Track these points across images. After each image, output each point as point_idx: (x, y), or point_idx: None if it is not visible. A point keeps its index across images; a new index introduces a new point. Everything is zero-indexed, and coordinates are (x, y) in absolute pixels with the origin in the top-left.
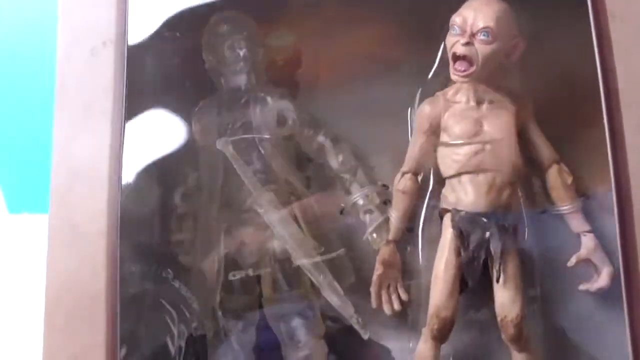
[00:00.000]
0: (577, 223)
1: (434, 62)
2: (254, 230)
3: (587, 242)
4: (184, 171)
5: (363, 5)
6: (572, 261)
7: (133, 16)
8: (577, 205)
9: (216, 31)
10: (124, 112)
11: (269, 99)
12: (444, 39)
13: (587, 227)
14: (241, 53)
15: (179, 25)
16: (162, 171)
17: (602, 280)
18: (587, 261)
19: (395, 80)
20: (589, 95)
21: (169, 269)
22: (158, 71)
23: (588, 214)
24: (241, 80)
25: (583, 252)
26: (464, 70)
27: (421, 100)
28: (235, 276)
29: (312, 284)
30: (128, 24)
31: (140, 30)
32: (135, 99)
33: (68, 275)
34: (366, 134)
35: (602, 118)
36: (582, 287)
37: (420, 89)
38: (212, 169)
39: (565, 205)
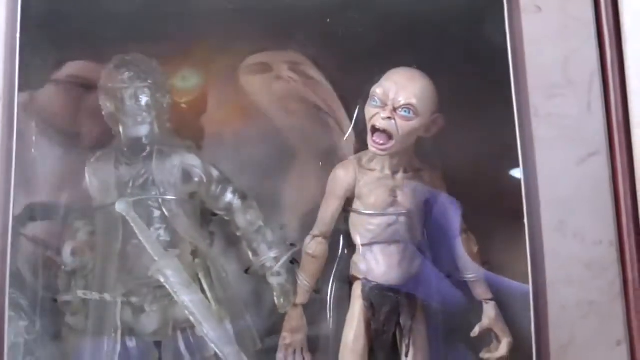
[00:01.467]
0: (480, 291)
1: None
2: (155, 298)
3: (489, 311)
4: (74, 225)
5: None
6: (476, 331)
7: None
8: (481, 273)
9: (117, 77)
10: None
11: (173, 154)
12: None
13: (489, 295)
14: (144, 102)
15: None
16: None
17: (502, 350)
18: (489, 330)
19: (308, 130)
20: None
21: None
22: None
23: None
24: (143, 130)
25: (485, 321)
26: (383, 144)
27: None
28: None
29: (216, 355)
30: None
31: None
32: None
33: None
34: (276, 190)
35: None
36: (484, 355)
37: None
38: (110, 230)
39: (469, 274)
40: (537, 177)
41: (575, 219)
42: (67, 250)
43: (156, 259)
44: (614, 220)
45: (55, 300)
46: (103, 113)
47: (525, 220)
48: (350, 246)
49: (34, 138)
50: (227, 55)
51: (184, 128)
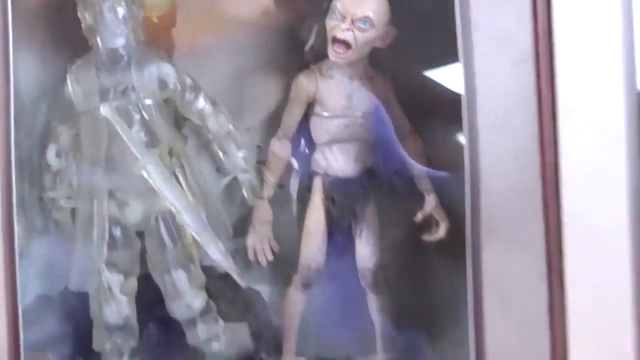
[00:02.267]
0: (423, 184)
1: (307, 30)
2: (138, 192)
3: (430, 201)
4: (56, 129)
5: None
6: (419, 217)
7: None
8: (423, 169)
9: None
10: None
11: (149, 63)
12: (318, 7)
13: (430, 187)
14: (120, 15)
15: None
16: (31, 127)
17: (440, 232)
18: (430, 217)
19: (270, 47)
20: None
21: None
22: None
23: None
24: (120, 41)
25: (427, 209)
26: (342, 53)
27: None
28: None
29: (194, 239)
30: None
31: None
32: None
33: None
34: (241, 97)
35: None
36: (425, 237)
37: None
38: (95, 133)
39: (414, 169)
40: (475, 81)
41: (508, 118)
42: (51, 151)
43: (139, 157)
44: (537, 116)
45: (42, 199)
46: (82, 25)
47: (464, 119)
48: (312, 146)
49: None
50: None
51: (156, 40)
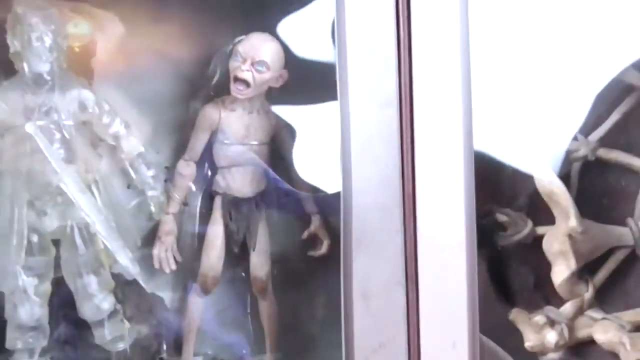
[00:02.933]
0: (308, 206)
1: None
2: (56, 203)
3: (315, 221)
4: None
5: (157, 5)
6: (305, 235)
7: None
8: (309, 194)
9: (25, 21)
10: None
11: (71, 88)
12: (223, 49)
13: (315, 209)
14: (47, 44)
15: None
16: None
17: (323, 248)
18: (314, 235)
19: (179, 78)
20: None
21: None
22: None
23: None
24: (45, 67)
25: (312, 228)
26: (242, 90)
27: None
28: None
29: (105, 247)
30: None
31: None
32: None
33: None
34: (152, 121)
35: None
36: (310, 253)
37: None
38: (19, 147)
39: (302, 192)
40: (349, 118)
41: (374, 150)
42: None
43: (58, 171)
44: (398, 147)
45: None
46: (10, 50)
47: (340, 149)
48: (214, 169)
49: None
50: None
51: (77, 66)
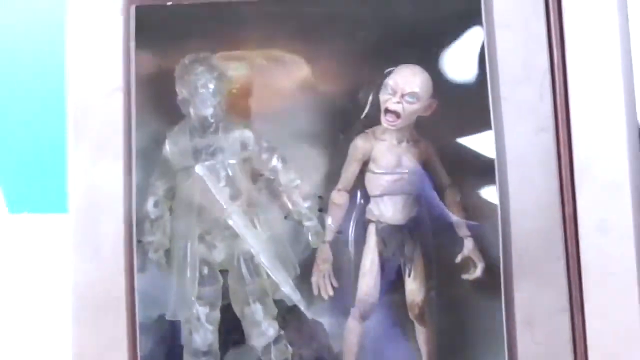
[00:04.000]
0: (461, 229)
1: (362, 101)
2: (224, 236)
3: (468, 244)
4: (155, 184)
5: (306, 45)
6: (458, 259)
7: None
8: (462, 217)
9: (191, 71)
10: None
11: (233, 129)
12: (372, 82)
13: (468, 233)
14: (211, 90)
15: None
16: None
17: (477, 272)
18: (468, 258)
19: (330, 112)
20: None
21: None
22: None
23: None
24: (209, 111)
25: (465, 252)
26: (393, 121)
27: (349, 133)
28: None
29: (268, 276)
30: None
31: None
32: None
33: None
34: (306, 156)
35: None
36: (464, 276)
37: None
38: (190, 187)
39: (453, 217)
40: (504, 144)
41: (530, 173)
42: (150, 202)
43: (225, 207)
44: (557, 175)
45: (140, 241)
46: (178, 98)
47: (496, 178)
48: (366, 197)
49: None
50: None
51: (235, 107)
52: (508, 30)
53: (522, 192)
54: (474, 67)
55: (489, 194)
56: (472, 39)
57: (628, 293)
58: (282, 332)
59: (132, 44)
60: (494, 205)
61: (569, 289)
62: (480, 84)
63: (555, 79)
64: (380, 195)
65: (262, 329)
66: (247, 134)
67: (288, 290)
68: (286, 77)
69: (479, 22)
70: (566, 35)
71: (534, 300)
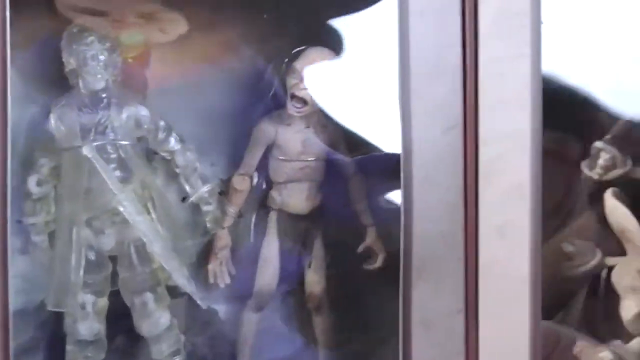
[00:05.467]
0: (365, 219)
1: (269, 81)
2: (114, 223)
3: (371, 234)
4: (39, 161)
5: (214, 12)
6: (361, 248)
7: None
8: (365, 206)
9: (81, 40)
10: None
11: (126, 105)
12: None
13: (371, 222)
14: (102, 62)
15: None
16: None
17: (378, 262)
18: (370, 248)
19: (234, 90)
20: None
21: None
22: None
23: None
24: (100, 84)
25: (368, 241)
26: (300, 108)
27: (255, 115)
28: None
29: (161, 265)
30: None
31: None
32: None
33: None
34: (207, 135)
35: None
36: (365, 266)
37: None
38: (76, 168)
39: (357, 206)
40: (411, 139)
41: (436, 172)
42: (32, 181)
43: (116, 192)
44: (462, 171)
45: (20, 222)
46: (66, 69)
47: (402, 173)
48: (269, 184)
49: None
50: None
51: (130, 79)
52: (422, 19)
53: (426, 190)
54: (386, 55)
55: (393, 187)
56: (385, 25)
57: (520, 297)
58: (174, 321)
59: (7, 11)
60: (397, 200)
61: (466, 291)
62: (392, 74)
63: (466, 76)
64: (284, 183)
65: (154, 319)
66: (143, 112)
67: (181, 280)
68: (187, 48)
69: (393, 8)
70: (480, 31)
71: (432, 301)
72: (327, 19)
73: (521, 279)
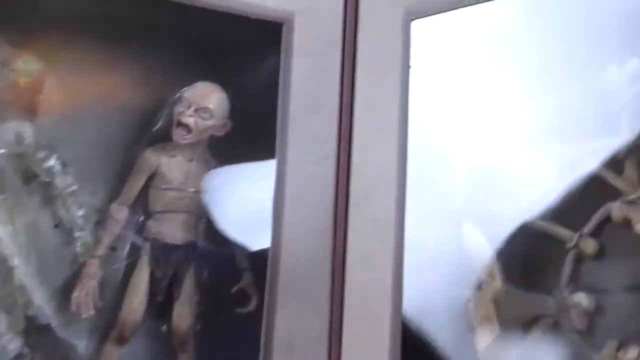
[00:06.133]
0: (241, 261)
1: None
2: None
3: (246, 277)
4: None
5: (110, 53)
6: (234, 289)
7: None
8: (241, 248)
9: None
10: None
11: (10, 119)
12: (171, 96)
13: (246, 265)
14: None
15: None
16: None
17: (251, 305)
18: (244, 290)
19: (126, 122)
20: None
21: None
22: None
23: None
24: None
25: (241, 283)
26: (184, 135)
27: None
28: None
29: (20, 285)
30: None
31: None
32: None
33: None
34: (91, 163)
35: None
36: (237, 309)
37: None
38: None
39: (235, 245)
40: (286, 170)
41: (308, 201)
42: None
43: None
44: (333, 201)
45: None
46: None
47: (273, 202)
48: (147, 214)
49: None
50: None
51: (20, 101)
52: (305, 59)
53: (298, 219)
54: (269, 93)
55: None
56: (270, 64)
57: (381, 326)
58: (26, 351)
59: None
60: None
61: (330, 317)
62: (273, 110)
63: (342, 111)
64: (162, 212)
65: (2, 342)
66: (25, 127)
67: (41, 301)
68: (81, 80)
69: (278, 49)
70: (357, 70)
71: (296, 326)
72: (219, 58)
73: (385, 306)
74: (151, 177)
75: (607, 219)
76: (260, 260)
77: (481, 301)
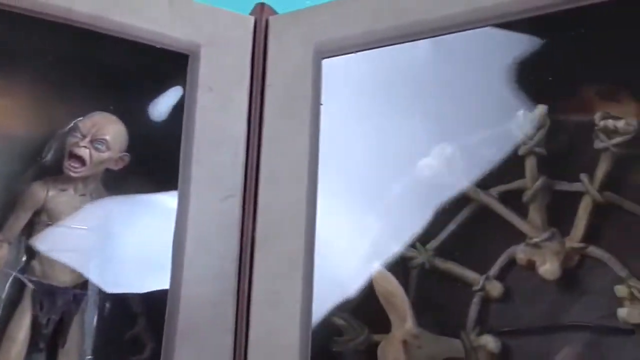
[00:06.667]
0: (136, 305)
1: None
2: None
3: (141, 323)
4: None
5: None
6: (127, 336)
7: None
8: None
9: None
10: None
11: None
12: (64, 126)
13: (142, 310)
14: None
15: None
16: None
17: (146, 353)
18: (137, 336)
19: (12, 152)
20: None
21: None
22: None
23: None
24: None
25: (136, 329)
26: (76, 168)
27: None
28: None
29: None
30: None
31: None
32: None
33: None
34: None
35: None
36: (132, 358)
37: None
38: None
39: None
40: (188, 207)
41: (211, 240)
42: None
43: None
44: (238, 241)
45: None
46: None
47: (173, 240)
48: (31, 252)
49: None
50: None
51: None
52: (210, 94)
53: (200, 258)
54: (172, 126)
55: (163, 258)
56: (174, 97)
57: None
58: None
59: None
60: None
61: None
62: (177, 144)
63: (249, 147)
64: (48, 251)
65: None
66: None
67: None
68: None
69: (183, 82)
70: (265, 105)
71: None
72: (121, 87)
73: (291, 350)
74: (37, 213)
75: (512, 262)
76: (157, 304)
77: (391, 344)
